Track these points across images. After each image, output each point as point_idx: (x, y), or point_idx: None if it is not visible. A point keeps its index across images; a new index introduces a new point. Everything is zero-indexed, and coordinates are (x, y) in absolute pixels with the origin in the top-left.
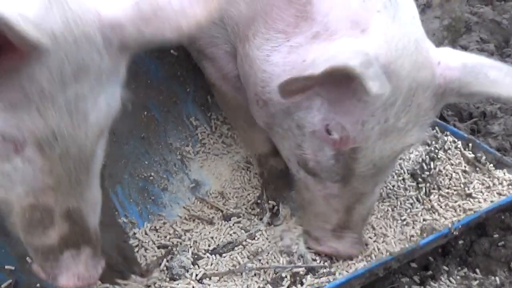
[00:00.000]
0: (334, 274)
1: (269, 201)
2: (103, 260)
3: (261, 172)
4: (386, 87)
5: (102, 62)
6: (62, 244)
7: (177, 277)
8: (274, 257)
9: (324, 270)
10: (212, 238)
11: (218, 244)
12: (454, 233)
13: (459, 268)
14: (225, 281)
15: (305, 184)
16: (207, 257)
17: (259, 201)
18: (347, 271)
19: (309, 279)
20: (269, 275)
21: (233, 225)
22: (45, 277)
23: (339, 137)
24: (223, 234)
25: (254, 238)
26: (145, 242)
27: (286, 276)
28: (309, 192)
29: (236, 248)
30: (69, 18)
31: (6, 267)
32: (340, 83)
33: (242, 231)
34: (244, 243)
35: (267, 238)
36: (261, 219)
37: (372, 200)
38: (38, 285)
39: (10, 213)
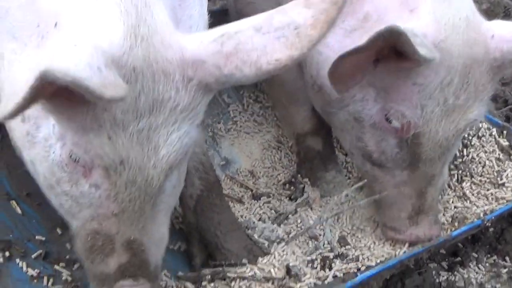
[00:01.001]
0: (364, 260)
1: (303, 181)
2: None
3: (298, 151)
4: (434, 54)
5: (179, 98)
6: (120, 273)
7: None
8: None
9: (353, 256)
10: (241, 216)
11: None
12: (487, 224)
13: (489, 255)
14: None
15: (373, 176)
16: None
17: (292, 180)
18: (377, 261)
19: (338, 264)
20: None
21: (262, 204)
22: None
23: (400, 125)
24: (253, 213)
25: (284, 222)
26: (174, 218)
27: (316, 259)
28: (379, 183)
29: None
30: (150, 54)
31: (36, 237)
32: (393, 68)
33: (272, 211)
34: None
35: (296, 221)
36: (291, 199)
37: (442, 181)
38: (67, 256)
39: (75, 237)
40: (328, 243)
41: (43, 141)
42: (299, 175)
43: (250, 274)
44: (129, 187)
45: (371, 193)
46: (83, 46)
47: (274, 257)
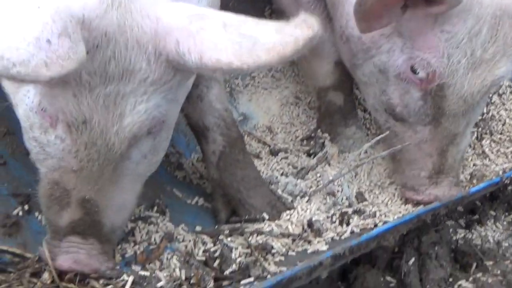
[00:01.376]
0: (381, 216)
1: (323, 136)
2: (112, 261)
3: (319, 106)
4: None
5: (149, 71)
6: (71, 228)
7: None
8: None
9: (370, 212)
10: (259, 172)
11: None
12: (506, 182)
13: (507, 213)
14: None
15: (395, 132)
16: None
17: (312, 135)
18: (395, 217)
19: (355, 220)
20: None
21: (280, 160)
22: (47, 255)
23: (426, 74)
24: (270, 169)
25: (303, 177)
26: (192, 173)
27: (335, 214)
28: (400, 140)
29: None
30: (126, 21)
31: None
32: (421, 15)
33: (290, 166)
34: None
35: (315, 176)
36: (309, 155)
37: (465, 143)
38: None
39: (39, 183)
40: (346, 199)
41: (24, 85)
42: (319, 130)
43: (267, 229)
44: (88, 147)
45: (392, 151)
46: (45, 9)
47: (297, 212)
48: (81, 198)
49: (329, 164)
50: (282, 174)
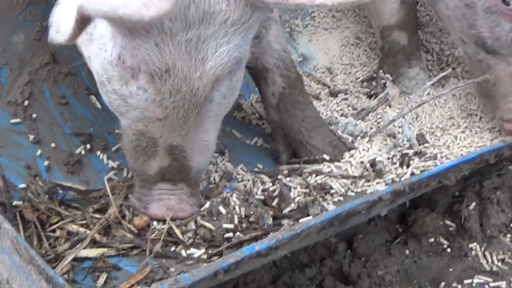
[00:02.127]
0: (442, 158)
1: (385, 77)
2: (199, 203)
3: (382, 46)
4: None
5: (229, 12)
6: (160, 176)
7: None
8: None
9: (431, 154)
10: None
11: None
12: None
13: None
14: None
15: (487, 65)
16: None
17: (374, 75)
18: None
19: (416, 161)
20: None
21: (340, 101)
22: (138, 205)
23: None
24: (330, 111)
25: (363, 119)
26: (251, 114)
27: (395, 155)
28: (493, 72)
29: None
30: None
31: (116, 131)
32: None
33: (350, 108)
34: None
35: (375, 118)
36: (369, 96)
37: None
38: None
39: (122, 134)
40: (407, 141)
41: (98, 38)
42: (381, 71)
43: (327, 170)
44: (173, 95)
45: (483, 84)
46: None
47: (359, 152)
48: (168, 145)
49: (390, 106)
50: (341, 115)
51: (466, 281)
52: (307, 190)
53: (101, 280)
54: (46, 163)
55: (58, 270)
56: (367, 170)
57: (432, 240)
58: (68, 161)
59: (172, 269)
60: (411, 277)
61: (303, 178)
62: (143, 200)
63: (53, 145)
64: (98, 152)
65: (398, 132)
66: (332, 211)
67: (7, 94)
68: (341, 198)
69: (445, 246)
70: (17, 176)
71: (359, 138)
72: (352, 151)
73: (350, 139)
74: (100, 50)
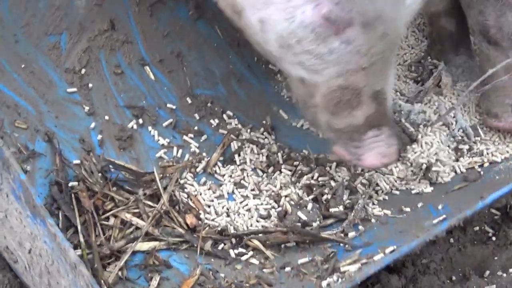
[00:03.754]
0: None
1: (432, 62)
2: (398, 141)
3: (430, 32)
4: None
5: None
6: (367, 124)
7: None
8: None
9: (477, 150)
10: None
11: None
12: None
13: None
14: None
15: (487, 56)
16: None
17: (421, 60)
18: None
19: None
20: None
21: None
22: (349, 158)
23: None
24: None
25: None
26: None
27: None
28: (491, 64)
29: None
30: None
31: (167, 105)
32: None
33: (397, 93)
34: None
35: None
36: (416, 82)
37: None
38: (196, 127)
39: (312, 95)
40: (463, 131)
41: (284, 2)
42: (428, 57)
43: None
44: (381, 40)
45: (481, 75)
46: None
47: (421, 147)
48: (373, 92)
49: (442, 94)
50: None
51: (511, 270)
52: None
53: (154, 283)
54: (99, 137)
55: (113, 268)
56: (417, 171)
57: (477, 228)
58: (120, 136)
59: (222, 275)
60: (456, 265)
61: (351, 173)
62: (353, 152)
63: (106, 117)
64: (150, 128)
65: (451, 123)
66: (389, 256)
67: (65, 61)
68: (386, 197)
69: (490, 234)
70: (71, 150)
71: (421, 127)
72: (414, 146)
73: (412, 129)
74: (286, 13)
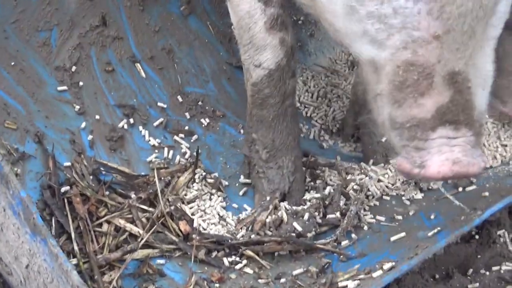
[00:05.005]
0: None
1: None
2: (485, 157)
3: None
4: None
5: None
6: (438, 118)
7: None
8: None
9: None
10: None
11: None
12: None
13: None
14: None
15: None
16: None
17: None
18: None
19: None
20: None
21: None
22: (409, 167)
23: None
24: None
25: None
26: None
27: None
28: (502, 48)
29: None
30: None
31: (158, 104)
32: None
33: None
34: None
35: None
36: None
37: None
38: (186, 127)
39: (376, 80)
40: None
41: None
42: None
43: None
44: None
45: None
46: None
47: None
48: (449, 72)
49: None
50: None
51: (494, 268)
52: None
53: None
54: (90, 137)
55: (108, 277)
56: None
57: None
58: (111, 136)
59: (217, 285)
60: (439, 263)
61: (342, 178)
62: (415, 157)
63: (97, 117)
64: (140, 127)
65: None
66: (390, 275)
67: (56, 58)
68: (377, 203)
69: (473, 233)
70: (61, 152)
71: None
72: None
73: None
74: None
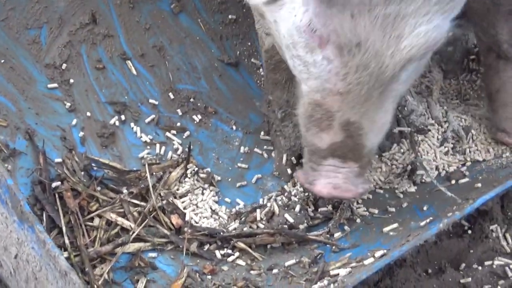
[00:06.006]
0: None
1: None
2: (368, 184)
3: None
4: None
5: None
6: (330, 151)
7: None
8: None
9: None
10: None
11: None
12: None
13: None
14: None
15: (496, 70)
16: None
17: None
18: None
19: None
20: None
21: None
22: (303, 180)
23: None
24: None
25: None
26: None
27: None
28: (500, 79)
29: None
30: None
31: (149, 100)
32: None
33: None
34: None
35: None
36: None
37: None
38: (178, 123)
39: (300, 100)
40: (456, 133)
41: (289, 2)
42: None
43: None
44: (360, 70)
45: (488, 90)
46: None
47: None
48: (345, 121)
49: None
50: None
51: (486, 263)
52: None
53: (141, 286)
54: (81, 134)
55: (99, 270)
56: (402, 172)
57: None
58: (102, 133)
59: (209, 277)
60: (432, 258)
61: None
62: (310, 175)
63: (88, 114)
64: (132, 124)
65: (445, 121)
66: (380, 261)
67: (46, 56)
68: (370, 196)
69: (465, 228)
70: (52, 148)
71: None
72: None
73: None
74: (289, 14)
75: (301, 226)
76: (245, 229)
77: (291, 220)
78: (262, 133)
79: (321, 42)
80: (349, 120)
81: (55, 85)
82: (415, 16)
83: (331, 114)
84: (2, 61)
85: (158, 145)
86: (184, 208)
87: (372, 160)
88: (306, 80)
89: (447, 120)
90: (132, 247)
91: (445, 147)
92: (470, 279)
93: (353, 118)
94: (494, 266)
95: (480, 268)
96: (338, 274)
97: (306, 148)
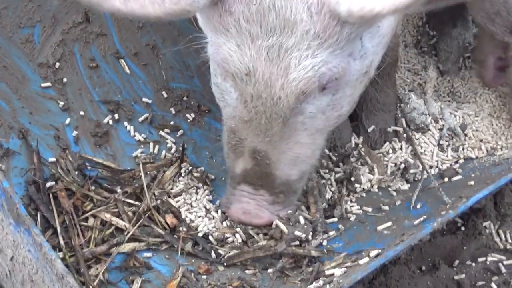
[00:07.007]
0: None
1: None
2: (285, 212)
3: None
4: None
5: (310, 24)
6: (243, 177)
7: None
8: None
9: (453, 146)
10: None
11: None
12: None
13: None
14: None
15: (507, 44)
16: None
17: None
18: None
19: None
20: None
21: None
22: (223, 203)
23: None
24: None
25: None
26: None
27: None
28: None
29: None
30: None
31: (143, 99)
32: None
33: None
34: None
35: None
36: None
37: None
38: (172, 122)
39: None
40: (452, 131)
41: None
42: (427, 25)
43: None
44: (254, 99)
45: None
46: None
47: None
48: (252, 148)
49: (424, 92)
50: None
51: (480, 259)
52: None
53: (136, 286)
54: (74, 133)
55: (94, 271)
56: (398, 168)
57: None
58: (96, 132)
59: (204, 277)
60: (425, 255)
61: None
62: (228, 199)
63: (82, 113)
64: (125, 123)
65: (441, 118)
66: (376, 261)
67: (39, 55)
68: (364, 194)
69: (459, 224)
70: (46, 148)
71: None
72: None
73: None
74: (212, 46)
75: (314, 242)
76: (240, 233)
77: (301, 235)
78: None
79: (222, 71)
80: (256, 148)
81: (49, 84)
82: (298, 49)
83: (242, 141)
84: None
85: (151, 144)
86: (179, 208)
87: (297, 191)
88: (223, 108)
89: (442, 117)
90: (127, 247)
91: (440, 144)
92: (464, 275)
93: (259, 146)
94: (488, 263)
95: (473, 264)
96: (333, 274)
97: (229, 172)
